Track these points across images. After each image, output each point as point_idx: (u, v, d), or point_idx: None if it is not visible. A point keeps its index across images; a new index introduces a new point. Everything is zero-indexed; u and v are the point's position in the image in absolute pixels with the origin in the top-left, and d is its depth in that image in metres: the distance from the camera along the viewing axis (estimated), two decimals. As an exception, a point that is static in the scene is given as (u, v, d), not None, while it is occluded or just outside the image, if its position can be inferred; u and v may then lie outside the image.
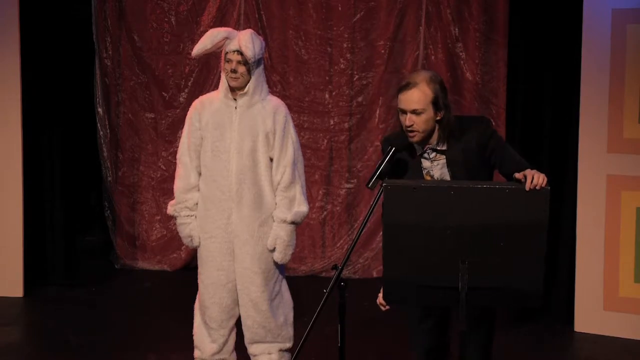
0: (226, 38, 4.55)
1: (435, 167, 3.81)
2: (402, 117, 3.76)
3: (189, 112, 4.73)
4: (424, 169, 3.83)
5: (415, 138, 3.76)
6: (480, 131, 3.79)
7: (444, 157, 3.80)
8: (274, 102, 4.68)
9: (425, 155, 3.82)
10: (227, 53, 4.55)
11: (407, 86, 3.73)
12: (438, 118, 3.76)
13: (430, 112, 3.73)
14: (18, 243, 6.63)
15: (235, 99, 4.62)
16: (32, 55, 6.64)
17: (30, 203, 6.71)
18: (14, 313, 6.36)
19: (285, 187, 4.62)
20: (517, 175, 3.45)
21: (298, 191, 4.65)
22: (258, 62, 4.58)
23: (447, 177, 3.81)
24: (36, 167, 6.82)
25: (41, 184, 6.89)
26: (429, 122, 3.74)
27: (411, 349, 4.08)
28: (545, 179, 3.38)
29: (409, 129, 3.73)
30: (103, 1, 7.47)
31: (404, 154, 3.81)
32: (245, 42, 4.48)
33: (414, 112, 3.72)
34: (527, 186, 3.36)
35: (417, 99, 3.71)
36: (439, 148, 3.79)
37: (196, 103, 4.74)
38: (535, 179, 3.37)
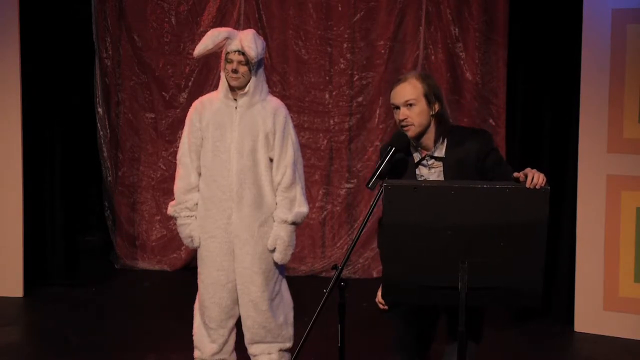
0: (227, 38, 4.55)
1: (432, 175, 3.82)
2: (395, 113, 3.80)
3: (189, 113, 4.73)
4: (421, 176, 3.84)
5: (410, 132, 3.77)
6: (482, 144, 3.79)
7: (441, 164, 3.81)
8: (274, 102, 4.68)
9: (424, 162, 3.83)
10: (228, 53, 4.55)
11: (397, 82, 3.82)
12: (433, 113, 3.78)
13: (423, 105, 3.76)
14: (18, 243, 6.63)
15: (235, 99, 4.62)
16: (32, 55, 6.64)
17: (30, 203, 6.71)
18: (14, 313, 6.36)
19: (286, 187, 4.62)
20: (517, 174, 3.45)
21: (299, 192, 4.65)
22: (259, 63, 4.59)
23: None
24: (36, 167, 6.82)
25: (41, 184, 6.89)
26: (422, 115, 3.77)
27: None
28: (545, 179, 3.39)
29: (402, 123, 3.75)
30: (103, 1, 7.47)
31: (401, 155, 3.82)
32: (248, 42, 4.48)
33: (406, 104, 3.74)
34: (527, 184, 3.37)
35: (408, 91, 3.76)
36: (437, 155, 3.80)
37: (196, 103, 4.74)
38: (535, 178, 3.38)
